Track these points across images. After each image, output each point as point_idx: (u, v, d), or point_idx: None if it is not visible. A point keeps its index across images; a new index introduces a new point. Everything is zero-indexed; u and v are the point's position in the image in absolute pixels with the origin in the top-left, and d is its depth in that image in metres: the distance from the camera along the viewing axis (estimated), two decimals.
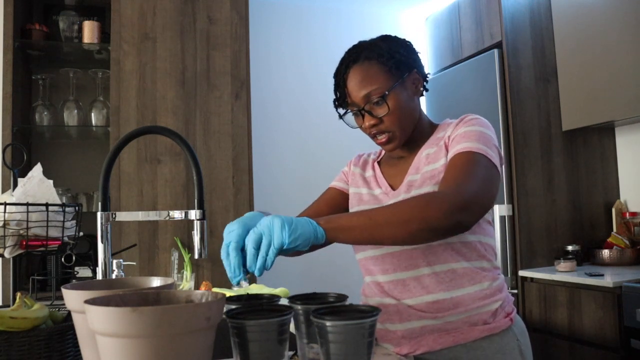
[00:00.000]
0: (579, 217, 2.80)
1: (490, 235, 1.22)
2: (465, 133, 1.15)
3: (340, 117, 1.27)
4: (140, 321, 0.62)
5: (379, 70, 1.18)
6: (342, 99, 1.23)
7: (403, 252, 1.16)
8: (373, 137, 1.23)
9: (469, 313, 1.14)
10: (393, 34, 1.27)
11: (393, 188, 1.26)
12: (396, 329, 1.16)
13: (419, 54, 1.27)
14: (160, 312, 0.62)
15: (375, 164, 1.36)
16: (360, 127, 1.25)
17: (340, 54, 1.27)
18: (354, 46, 1.25)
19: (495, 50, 2.81)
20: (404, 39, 1.26)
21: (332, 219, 0.99)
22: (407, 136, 1.23)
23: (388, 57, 1.19)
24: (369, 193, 1.30)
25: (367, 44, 1.23)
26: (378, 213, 1.00)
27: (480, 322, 1.14)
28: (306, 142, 3.54)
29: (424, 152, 1.23)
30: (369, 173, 1.35)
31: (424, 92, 1.29)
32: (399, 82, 1.19)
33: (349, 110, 1.25)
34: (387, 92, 1.17)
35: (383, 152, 1.39)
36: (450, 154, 1.14)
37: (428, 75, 1.29)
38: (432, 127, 1.30)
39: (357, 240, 1.01)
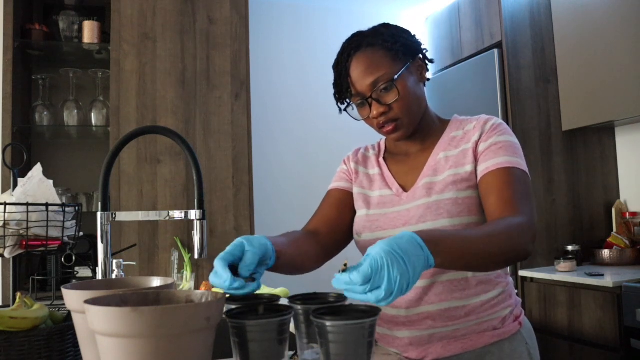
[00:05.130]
0: (579, 217, 2.80)
1: None
2: (499, 144, 1.12)
3: (342, 110, 1.21)
4: (140, 321, 0.62)
5: (384, 55, 1.13)
6: (344, 90, 1.17)
7: None
8: (380, 127, 1.17)
9: (479, 320, 1.12)
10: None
11: (404, 189, 1.20)
12: (404, 335, 1.14)
13: (418, 39, 1.21)
14: (160, 312, 0.62)
15: (381, 161, 1.28)
16: (366, 118, 1.18)
17: None
18: (353, 35, 1.18)
19: (495, 50, 2.81)
20: (403, 27, 1.21)
21: (440, 243, 0.85)
22: (415, 125, 1.18)
23: (392, 42, 1.13)
24: (379, 195, 1.23)
25: (368, 31, 1.18)
26: (477, 240, 0.92)
27: (490, 328, 1.12)
28: (306, 142, 3.54)
29: (441, 153, 1.19)
30: (373, 171, 1.28)
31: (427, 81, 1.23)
32: (405, 67, 1.14)
33: (352, 103, 1.18)
34: (395, 77, 1.11)
35: (383, 146, 1.32)
36: (488, 166, 1.10)
37: (432, 62, 1.23)
38: (441, 122, 1.25)
39: (450, 265, 0.91)
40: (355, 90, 1.15)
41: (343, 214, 1.27)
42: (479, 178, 1.12)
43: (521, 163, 1.11)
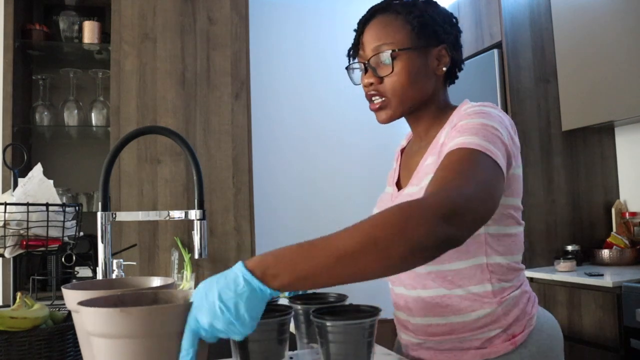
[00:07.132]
0: (578, 217, 2.80)
1: (500, 253, 1.01)
2: (463, 126, 0.95)
3: (346, 68, 1.13)
4: (127, 322, 0.61)
5: (402, 26, 1.04)
6: (355, 48, 1.09)
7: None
8: (369, 99, 1.08)
9: (461, 338, 1.03)
10: None
11: (400, 188, 1.13)
12: (401, 336, 1.14)
13: (459, 33, 1.12)
14: (146, 312, 0.62)
15: (398, 154, 1.23)
16: (359, 84, 1.10)
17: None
18: None
19: (495, 50, 2.81)
20: (447, 10, 1.11)
21: (269, 267, 0.69)
22: (403, 111, 1.07)
23: (418, 16, 1.04)
24: (384, 193, 1.17)
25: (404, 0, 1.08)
26: (334, 242, 0.70)
27: (473, 347, 1.02)
28: (306, 142, 3.54)
29: (442, 138, 1.05)
30: (394, 165, 1.22)
31: (453, 80, 1.15)
32: (418, 47, 1.04)
33: (356, 62, 1.10)
34: (396, 50, 1.02)
35: (409, 137, 1.24)
36: (443, 153, 0.94)
37: (463, 64, 1.14)
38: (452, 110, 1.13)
39: (316, 286, 0.71)
40: (362, 51, 1.08)
41: None
42: None
43: (486, 146, 0.88)
